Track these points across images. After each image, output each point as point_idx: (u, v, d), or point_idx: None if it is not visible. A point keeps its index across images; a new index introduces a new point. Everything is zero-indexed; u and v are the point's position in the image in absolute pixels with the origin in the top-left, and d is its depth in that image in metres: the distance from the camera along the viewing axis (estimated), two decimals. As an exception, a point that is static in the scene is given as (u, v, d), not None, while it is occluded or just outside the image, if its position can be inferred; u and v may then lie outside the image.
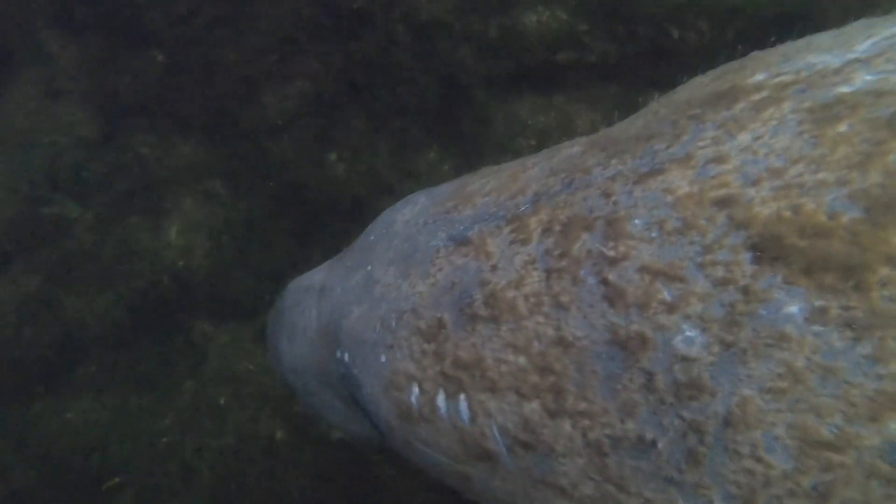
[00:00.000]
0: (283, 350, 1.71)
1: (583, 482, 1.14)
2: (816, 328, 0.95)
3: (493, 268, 1.21)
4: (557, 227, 1.16)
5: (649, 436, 1.05)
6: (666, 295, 1.03)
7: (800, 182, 1.04)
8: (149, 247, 3.48)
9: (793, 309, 0.96)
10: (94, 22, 3.49)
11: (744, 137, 1.14)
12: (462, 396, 1.22)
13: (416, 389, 1.30)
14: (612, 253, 1.09)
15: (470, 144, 3.49)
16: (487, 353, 1.17)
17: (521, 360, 1.13)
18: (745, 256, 1.01)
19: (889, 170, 0.99)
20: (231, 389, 3.23)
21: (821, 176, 1.04)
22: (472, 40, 3.29)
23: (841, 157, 1.03)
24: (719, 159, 1.12)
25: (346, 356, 1.43)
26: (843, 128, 1.07)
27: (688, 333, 1.01)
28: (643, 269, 1.06)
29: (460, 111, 3.40)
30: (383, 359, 1.35)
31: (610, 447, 1.08)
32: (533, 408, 1.13)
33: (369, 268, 1.45)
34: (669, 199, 1.10)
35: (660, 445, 1.04)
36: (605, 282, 1.08)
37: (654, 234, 1.08)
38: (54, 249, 3.49)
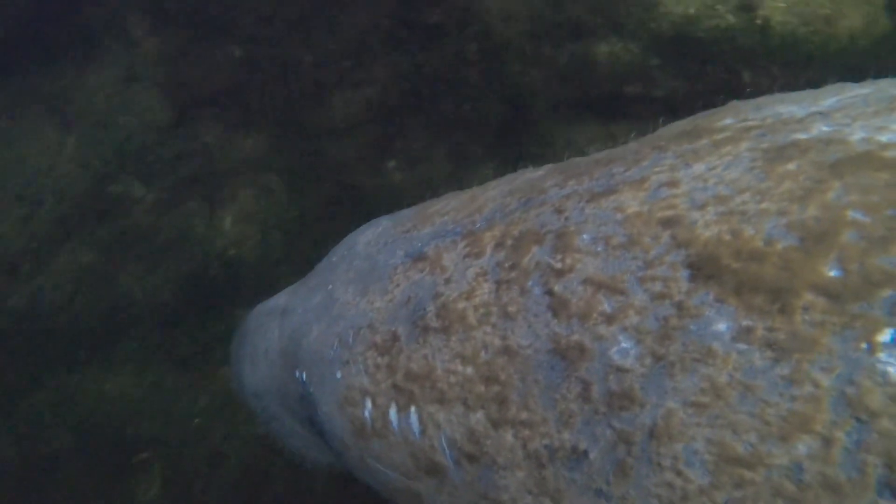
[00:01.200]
0: (245, 374, 1.87)
1: (522, 497, 1.27)
2: (741, 346, 1.08)
3: (447, 281, 1.37)
4: (510, 242, 1.33)
5: (582, 446, 1.18)
6: (606, 306, 1.19)
7: (743, 209, 1.20)
8: (203, 233, 3.84)
9: (721, 326, 1.10)
10: (181, 14, 3.95)
11: (698, 167, 1.31)
12: (413, 409, 1.36)
13: (369, 404, 1.44)
14: (559, 265, 1.25)
15: (526, 165, 3.77)
16: (437, 363, 1.33)
17: (469, 370, 1.28)
18: (683, 273, 1.16)
19: (826, 205, 1.15)
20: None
21: (764, 206, 1.20)
22: (542, 65, 3.60)
23: (784, 191, 1.19)
24: (672, 184, 1.29)
25: (304, 375, 1.58)
26: (791, 166, 1.23)
27: (623, 345, 1.16)
28: (587, 281, 1.21)
29: (521, 132, 3.72)
30: (339, 375, 1.50)
31: (547, 458, 1.22)
32: (478, 418, 1.27)
33: (330, 287, 1.62)
34: (619, 216, 1.27)
35: (591, 456, 1.17)
36: (550, 292, 1.24)
37: (599, 249, 1.24)
38: (114, 226, 3.89)
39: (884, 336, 0.97)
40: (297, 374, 1.60)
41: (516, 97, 3.65)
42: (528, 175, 1.49)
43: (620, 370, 1.13)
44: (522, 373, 1.21)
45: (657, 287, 1.15)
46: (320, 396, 1.53)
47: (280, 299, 1.84)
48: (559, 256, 1.24)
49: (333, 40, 3.82)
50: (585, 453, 1.16)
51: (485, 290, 1.29)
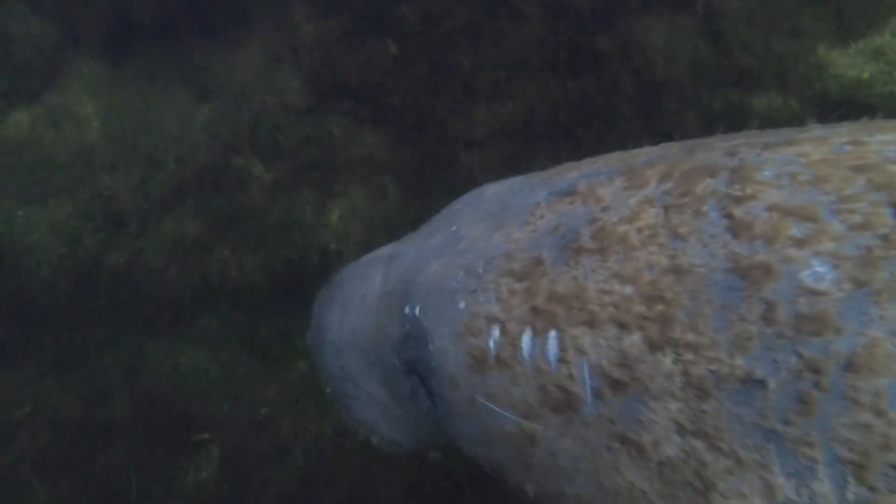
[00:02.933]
0: (329, 325, 1.76)
1: (668, 439, 1.13)
2: (961, 278, 1.00)
3: (605, 209, 1.30)
4: (677, 174, 1.27)
5: (759, 373, 1.06)
6: (795, 231, 1.11)
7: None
8: (310, 222, 3.86)
9: (934, 259, 1.03)
10: (347, 3, 4.07)
11: (884, 136, 1.28)
12: (552, 333, 1.25)
13: (496, 332, 1.33)
14: (738, 193, 1.19)
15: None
16: (590, 284, 1.23)
17: (628, 289, 1.19)
18: (887, 211, 1.10)
19: None
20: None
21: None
22: (697, 108, 3.64)
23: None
24: (857, 143, 1.25)
25: (418, 309, 1.48)
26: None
27: (817, 269, 1.07)
28: (772, 208, 1.15)
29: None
30: (462, 305, 1.40)
31: (713, 386, 1.09)
32: (633, 340, 1.16)
33: (454, 228, 1.56)
34: (803, 160, 1.22)
35: (770, 385, 1.05)
36: (729, 216, 1.17)
37: (784, 182, 1.18)
38: (228, 200, 3.92)
39: None
40: (407, 310, 1.50)
41: (664, 136, 3.73)
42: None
43: (814, 293, 1.04)
44: (693, 292, 1.12)
45: (856, 219, 1.09)
46: (434, 329, 1.43)
47: (385, 249, 1.77)
48: (738, 186, 1.19)
49: (496, 49, 3.90)
50: (762, 382, 1.04)
51: (650, 215, 1.23)
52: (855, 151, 1.22)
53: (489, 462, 1.42)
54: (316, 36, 4.10)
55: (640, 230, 1.22)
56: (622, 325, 1.17)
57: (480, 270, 1.40)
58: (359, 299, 1.69)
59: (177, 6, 4.25)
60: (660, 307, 1.14)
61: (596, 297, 1.21)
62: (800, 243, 1.09)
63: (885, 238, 1.06)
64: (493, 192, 1.59)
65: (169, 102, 4.24)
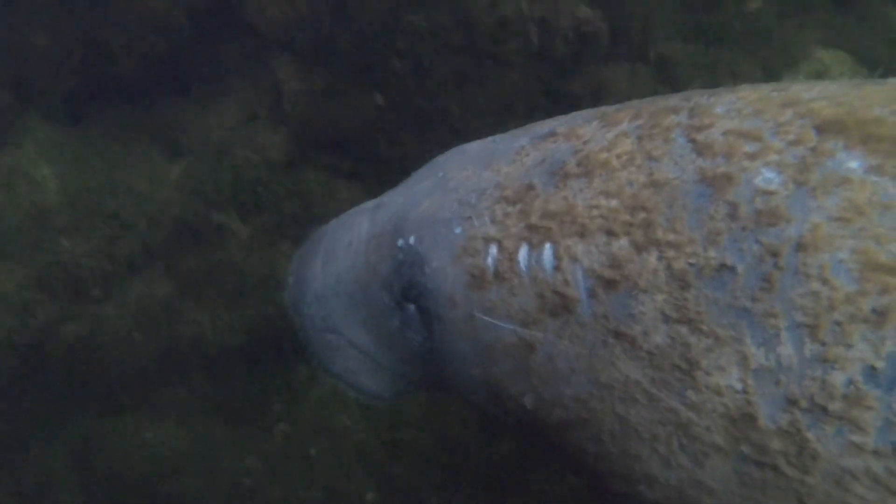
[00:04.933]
0: (312, 277, 1.85)
1: (656, 327, 1.34)
2: (874, 178, 1.29)
3: (585, 142, 1.52)
4: (645, 114, 1.52)
5: (729, 261, 1.30)
6: (748, 148, 1.37)
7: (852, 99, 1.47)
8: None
9: (853, 164, 1.30)
10: (330, 57, 3.98)
11: (798, 86, 1.59)
12: (547, 245, 1.44)
13: (493, 250, 1.51)
14: (698, 123, 1.44)
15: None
16: (579, 201, 1.44)
17: (614, 202, 1.41)
18: (812, 131, 1.38)
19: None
20: (325, 441, 3.30)
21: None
22: None
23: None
24: (780, 89, 1.55)
25: (412, 239, 1.63)
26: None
27: (767, 175, 1.33)
28: (728, 133, 1.40)
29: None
30: (458, 230, 1.56)
31: (693, 276, 1.32)
32: (621, 244, 1.37)
33: (441, 174, 1.73)
34: (743, 101, 1.50)
35: (739, 270, 1.29)
36: (693, 140, 1.41)
37: (733, 115, 1.45)
38: (204, 257, 3.75)
39: None
40: (401, 242, 1.65)
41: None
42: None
43: (766, 192, 1.30)
44: (670, 200, 1.35)
45: (791, 137, 1.37)
46: (430, 254, 1.58)
47: (369, 203, 1.90)
48: (697, 119, 1.45)
49: (483, 94, 4.00)
50: (732, 269, 1.29)
51: (627, 143, 1.46)
52: (780, 94, 1.51)
53: (485, 382, 1.58)
54: (300, 91, 4.14)
55: (619, 156, 1.45)
56: (610, 233, 1.38)
57: (473, 200, 1.57)
58: (344, 246, 1.81)
59: (147, 66, 4.17)
60: (642, 215, 1.37)
61: (585, 212, 1.42)
62: (752, 157, 1.36)
63: (813, 150, 1.34)
64: (475, 146, 1.78)
65: (137, 161, 4.12)
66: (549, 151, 1.56)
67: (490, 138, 1.80)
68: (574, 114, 1.70)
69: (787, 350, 1.26)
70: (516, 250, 1.47)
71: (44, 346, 3.65)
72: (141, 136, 4.17)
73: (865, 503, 1.21)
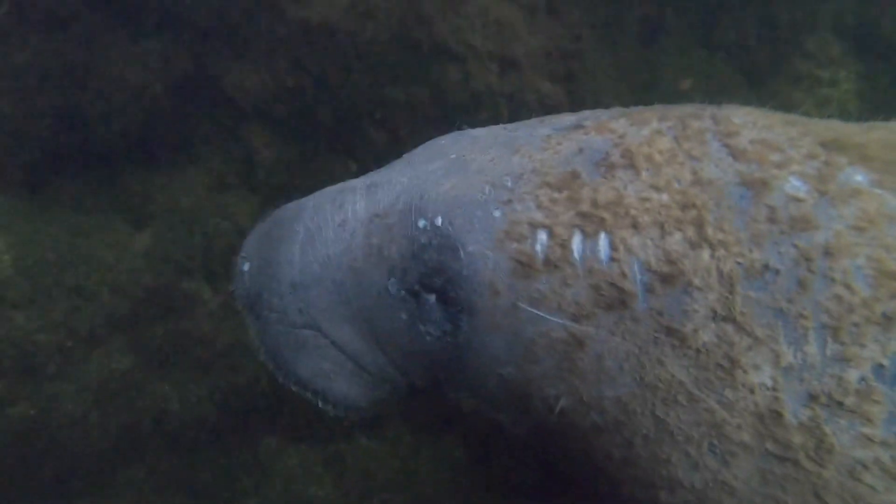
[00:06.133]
0: (286, 262, 1.63)
1: (706, 326, 1.42)
2: (877, 190, 1.50)
3: (621, 136, 1.55)
4: (672, 117, 1.60)
5: (773, 263, 1.43)
6: (774, 157, 1.51)
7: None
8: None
9: (859, 177, 1.51)
10: (302, 126, 3.92)
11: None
12: (602, 235, 1.44)
13: (542, 236, 1.47)
14: (725, 129, 1.55)
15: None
16: (630, 192, 1.46)
17: (664, 197, 1.45)
18: (819, 147, 1.56)
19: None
20: (297, 515, 3.16)
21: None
22: None
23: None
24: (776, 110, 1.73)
25: (440, 220, 1.51)
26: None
27: (794, 183, 1.48)
28: (753, 141, 1.53)
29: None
30: (497, 213, 1.49)
31: (740, 277, 1.42)
32: (675, 240, 1.43)
33: (453, 156, 1.63)
34: (751, 116, 1.63)
35: (781, 272, 1.42)
36: (726, 145, 1.52)
37: (750, 126, 1.58)
38: (171, 328, 3.60)
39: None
40: (423, 223, 1.53)
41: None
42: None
43: (797, 199, 1.45)
44: (717, 199, 1.45)
45: (804, 150, 1.54)
46: (466, 237, 1.50)
47: (354, 182, 1.73)
48: (723, 126, 1.56)
49: None
50: (776, 271, 1.41)
51: (665, 141, 1.52)
52: (780, 114, 1.68)
53: (515, 383, 1.53)
54: (273, 159, 4.08)
55: (660, 152, 1.51)
56: (663, 227, 1.44)
57: (510, 184, 1.52)
58: (335, 227, 1.62)
59: (120, 136, 3.97)
60: (693, 212, 1.44)
61: (637, 204, 1.45)
62: (779, 165, 1.50)
63: (826, 163, 1.52)
64: (484, 131, 1.70)
65: (100, 230, 3.87)
66: (584, 142, 1.56)
67: (495, 126, 1.75)
68: (587, 112, 1.72)
69: (812, 349, 1.42)
70: (570, 238, 1.46)
71: (-19, 432, 3.34)
72: (104, 204, 3.98)
73: (874, 491, 1.41)
